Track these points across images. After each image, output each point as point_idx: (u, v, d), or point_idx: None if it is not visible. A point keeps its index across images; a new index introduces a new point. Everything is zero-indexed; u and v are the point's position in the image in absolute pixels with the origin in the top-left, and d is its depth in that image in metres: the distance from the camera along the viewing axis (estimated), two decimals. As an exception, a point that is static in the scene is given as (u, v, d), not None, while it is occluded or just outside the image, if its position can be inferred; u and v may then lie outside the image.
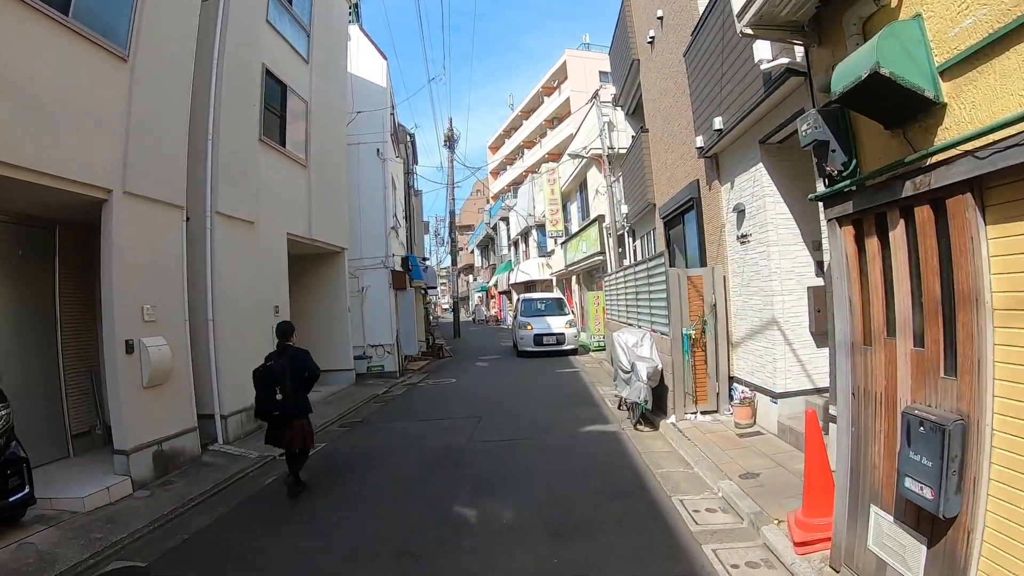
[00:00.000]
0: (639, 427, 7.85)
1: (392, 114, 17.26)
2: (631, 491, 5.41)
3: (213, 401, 8.24)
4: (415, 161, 27.35)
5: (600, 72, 37.78)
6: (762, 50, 5.68)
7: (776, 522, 4.49)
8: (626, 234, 16.22)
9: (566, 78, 40.74)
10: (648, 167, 12.25)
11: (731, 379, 8.09)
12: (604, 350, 17.31)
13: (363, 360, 14.71)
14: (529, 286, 32.81)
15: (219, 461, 7.61)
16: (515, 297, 35.59)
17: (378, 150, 15.52)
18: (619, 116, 17.47)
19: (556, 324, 17.11)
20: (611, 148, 16.84)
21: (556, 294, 20.84)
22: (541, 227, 29.87)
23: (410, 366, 16.66)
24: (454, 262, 28.54)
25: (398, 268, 15.50)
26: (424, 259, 46.88)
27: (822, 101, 3.76)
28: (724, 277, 8.06)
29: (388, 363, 14.93)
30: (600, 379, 12.43)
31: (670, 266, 8.54)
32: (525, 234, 33.00)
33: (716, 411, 8.03)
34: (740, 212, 7.45)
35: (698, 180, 9.06)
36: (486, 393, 11.47)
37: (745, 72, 6.53)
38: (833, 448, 4.95)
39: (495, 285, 42.88)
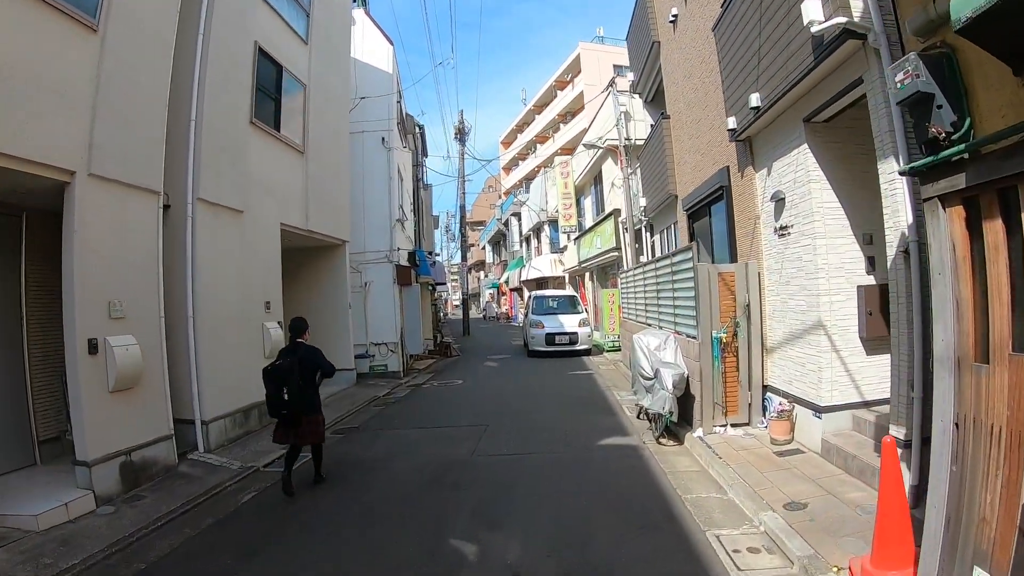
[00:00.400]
0: (662, 441, 7.07)
1: (399, 102, 16.54)
2: (657, 523, 4.64)
3: (193, 405, 7.56)
4: (424, 154, 26.63)
5: (615, 66, 36.86)
6: (812, 10, 4.87)
7: (836, 570, 3.70)
8: (643, 229, 15.40)
9: (580, 72, 39.97)
10: (669, 156, 11.43)
11: (764, 388, 7.28)
12: (619, 351, 16.52)
13: (365, 359, 14.02)
14: (541, 283, 32.02)
15: (196, 472, 6.93)
16: (527, 294, 34.82)
17: (383, 139, 14.81)
18: (636, 105, 16.65)
19: (569, 323, 16.33)
20: (628, 139, 16.01)
21: (569, 291, 20.05)
22: (554, 222, 29.08)
23: (415, 365, 15.96)
24: (464, 257, 27.81)
25: (403, 263, 14.80)
26: (434, 254, 46.32)
27: (914, 47, 2.95)
28: (759, 274, 7.25)
29: (392, 362, 14.24)
30: (616, 382, 11.65)
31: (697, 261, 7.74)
32: (537, 230, 32.21)
33: (747, 423, 7.23)
34: (779, 201, 6.64)
35: (728, 167, 8.25)
36: (494, 396, 10.72)
37: (789, 40, 5.72)
38: (908, 479, 4.14)
39: (506, 282, 42.14)
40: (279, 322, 9.58)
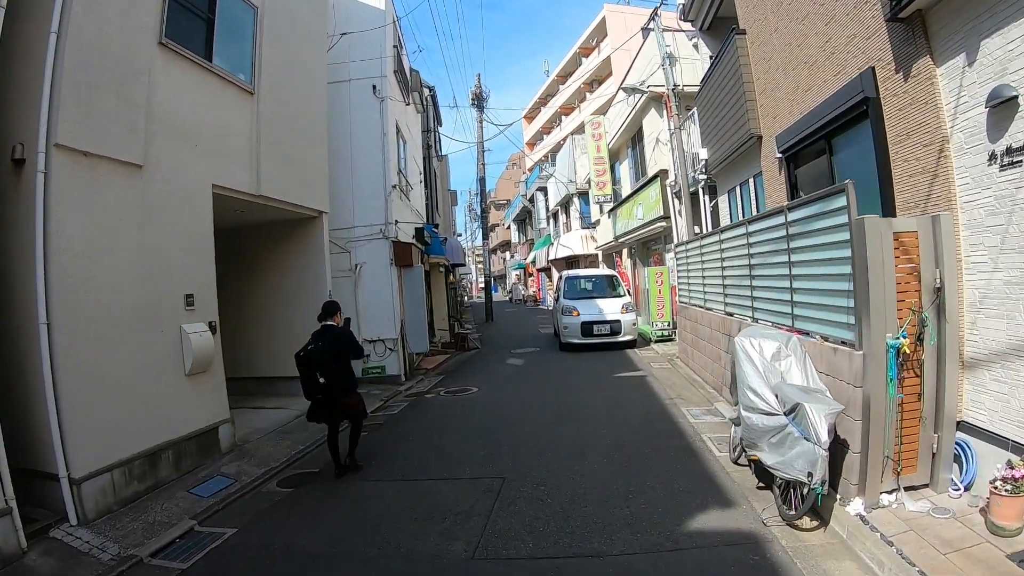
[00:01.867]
0: (798, 524, 4.15)
1: (396, 47, 13.65)
2: None
3: (54, 455, 4.90)
4: (438, 121, 23.75)
5: (643, 29, 33.48)
6: None
7: None
8: (701, 191, 12.34)
9: (606, 36, 36.55)
10: (748, 84, 8.38)
11: (959, 426, 4.33)
12: (670, 341, 13.57)
13: (356, 361, 11.34)
14: (571, 262, 29.07)
15: (47, 567, 4.32)
16: (556, 275, 31.89)
17: (374, 87, 11.96)
18: (682, 43, 13.52)
19: (609, 308, 13.38)
20: (675, 85, 12.90)
21: (607, 270, 17.04)
22: (584, 195, 26.06)
23: (424, 364, 13.24)
24: (485, 235, 25.00)
25: (404, 239, 11.99)
26: (456, 234, 43.57)
27: None
28: (953, 234, 4.26)
29: (390, 364, 11.52)
30: (681, 391, 8.73)
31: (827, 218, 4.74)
32: (565, 204, 29.19)
33: (927, 484, 4.30)
34: (1002, 105, 3.64)
35: (872, 68, 5.22)
36: (516, 419, 7.88)
37: None
38: None
39: (533, 262, 39.23)
40: (210, 323, 6.91)
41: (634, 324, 13.36)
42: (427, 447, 6.85)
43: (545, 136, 49.37)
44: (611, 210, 19.81)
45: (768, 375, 4.62)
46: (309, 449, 7.26)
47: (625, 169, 18.90)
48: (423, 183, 17.78)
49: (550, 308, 33.58)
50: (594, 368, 11.24)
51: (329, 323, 6.14)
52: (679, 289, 11.14)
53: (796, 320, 5.31)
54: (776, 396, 4.43)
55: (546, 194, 34.84)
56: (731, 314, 7.62)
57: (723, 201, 11.05)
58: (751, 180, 9.20)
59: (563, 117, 43.93)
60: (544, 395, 9.08)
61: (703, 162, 11.31)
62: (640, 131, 16.44)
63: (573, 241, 26.51)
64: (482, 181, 24.95)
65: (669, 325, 14.04)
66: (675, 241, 13.98)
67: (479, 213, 25.59)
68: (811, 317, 4.99)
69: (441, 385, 10.82)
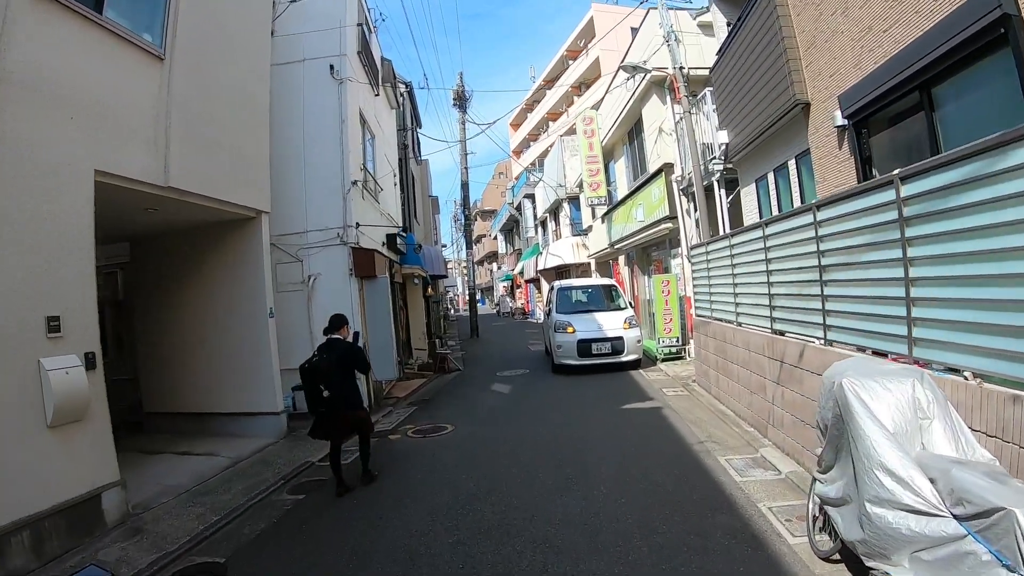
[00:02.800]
0: None
1: (363, 27, 11.83)
2: None
3: None
4: (416, 122, 21.96)
5: (632, 29, 32.05)
6: None
7: None
8: (716, 185, 10.60)
9: (594, 36, 35.14)
10: (790, 37, 6.64)
11: None
12: (680, 359, 11.78)
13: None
14: (561, 272, 27.31)
15: None
16: (546, 287, 30.05)
17: (332, 66, 10.13)
18: (684, 25, 11.86)
19: (610, 323, 11.52)
20: (682, 66, 11.20)
21: (604, 279, 15.20)
22: (574, 200, 24.39)
23: (396, 390, 11.32)
24: (469, 244, 23.13)
25: (367, 246, 10.10)
26: (441, 245, 41.68)
27: None
28: None
29: (352, 394, 9.61)
30: (710, 429, 6.89)
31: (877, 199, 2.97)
32: (555, 210, 27.47)
33: None
34: None
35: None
36: (500, 473, 6.00)
37: None
38: None
39: (520, 273, 37.43)
40: (87, 355, 5.02)
41: (639, 341, 11.53)
42: (374, 529, 4.92)
43: (532, 143, 47.92)
44: (605, 214, 18.06)
45: (906, 441, 2.81)
46: (224, 522, 5.32)
47: (621, 168, 17.17)
48: (398, 186, 15.93)
49: (539, 322, 31.72)
50: (596, 396, 9.38)
51: (335, 336, 6.04)
52: (696, 300, 9.34)
53: (918, 345, 3.50)
54: (933, 483, 2.62)
55: (534, 201, 33.15)
56: (781, 332, 5.81)
57: (748, 194, 9.31)
58: (791, 163, 7.45)
59: (550, 123, 42.53)
60: (537, 438, 7.16)
61: (722, 148, 9.59)
62: (639, 123, 14.73)
63: (563, 249, 24.76)
64: (465, 186, 23.12)
65: (678, 341, 12.25)
66: (683, 244, 12.22)
67: (463, 221, 23.72)
68: (951, 343, 3.18)
69: (411, 420, 8.90)
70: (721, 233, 10.22)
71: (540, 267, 29.37)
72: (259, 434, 8.27)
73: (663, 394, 9.17)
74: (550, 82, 43.01)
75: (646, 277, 16.14)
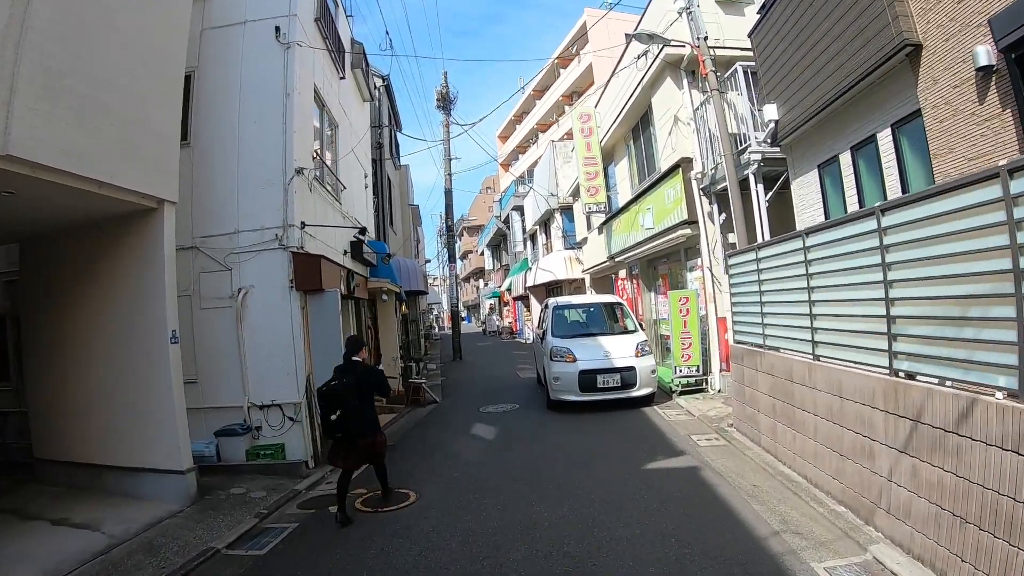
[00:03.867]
0: None
1: (323, -7, 9.84)
2: None
3: None
4: (395, 121, 20.00)
5: (627, 35, 30.48)
6: None
7: None
8: (753, 180, 8.64)
9: (587, 43, 33.62)
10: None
11: None
12: (699, 391, 9.77)
13: (238, 437, 7.31)
14: (552, 288, 25.27)
15: None
16: (536, 305, 27.82)
17: (278, 28, 8.09)
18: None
19: (618, 350, 9.39)
20: (706, 36, 9.32)
21: (608, 296, 13.07)
22: (567, 210, 22.46)
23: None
24: (452, 257, 21.04)
25: (314, 251, 7.94)
26: (425, 261, 39.52)
27: None
28: None
29: (292, 442, 7.45)
30: (781, 509, 4.81)
31: None
32: (546, 222, 25.50)
33: None
34: None
35: None
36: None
37: None
38: None
39: (508, 290, 35.34)
40: None
41: (653, 372, 9.43)
42: None
43: (521, 156, 46.26)
44: (604, 223, 16.08)
45: None
46: None
47: (623, 171, 15.22)
48: (369, 188, 13.89)
49: (528, 342, 29.54)
50: (607, 448, 7.26)
51: (355, 359, 5.81)
52: (736, 322, 7.30)
53: None
54: None
55: (522, 214, 31.20)
56: (912, 375, 3.79)
57: (804, 185, 7.36)
58: (883, 135, 5.46)
59: (540, 134, 40.85)
60: (533, 527, 4.99)
61: (768, 128, 7.64)
62: (647, 115, 12.81)
63: (555, 264, 22.74)
64: (448, 193, 21.09)
65: (697, 371, 10.20)
66: (705, 254, 10.26)
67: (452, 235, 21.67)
68: None
69: (366, 480, 6.71)
70: (762, 239, 8.25)
71: (529, 283, 27.31)
72: (160, 497, 6.16)
73: (694, 444, 7.08)
74: (540, 92, 41.46)
75: (652, 293, 14.14)
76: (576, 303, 11.49)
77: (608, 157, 16.06)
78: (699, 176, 10.41)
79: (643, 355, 9.34)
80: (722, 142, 8.79)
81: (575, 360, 9.17)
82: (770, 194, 8.73)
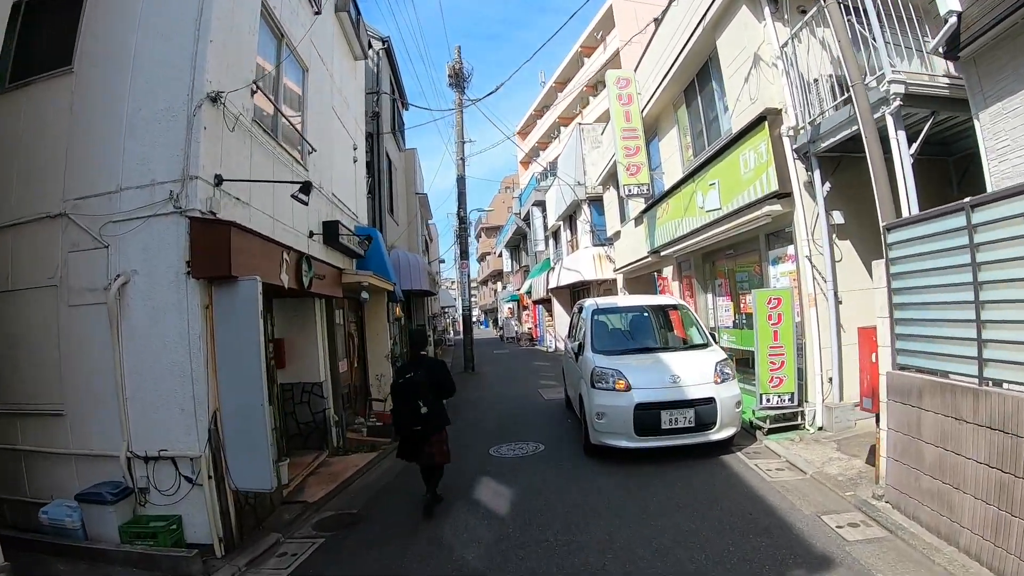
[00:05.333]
0: None
1: None
2: None
3: None
4: (399, 94, 17.42)
5: (655, 20, 27.68)
6: None
7: None
8: (894, 125, 5.82)
9: (613, 27, 30.95)
10: None
11: None
12: (794, 429, 6.95)
13: (106, 506, 4.65)
14: (579, 291, 22.55)
15: None
16: (559, 310, 24.92)
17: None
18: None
19: (689, 373, 6.42)
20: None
21: (666, 298, 9.99)
22: (596, 201, 19.68)
23: (312, 482, 6.47)
24: (464, 252, 18.37)
25: (229, 218, 5.17)
26: (440, 261, 36.87)
27: None
28: None
29: (191, 512, 4.76)
30: None
31: None
32: (570, 216, 22.75)
33: None
34: None
35: None
36: None
37: None
38: None
39: (528, 292, 32.59)
40: None
41: (738, 405, 6.54)
42: None
43: (542, 152, 43.67)
44: (644, 211, 13.27)
45: None
46: None
47: (670, 146, 12.40)
48: (361, 164, 11.29)
49: (550, 350, 26.63)
50: (701, 548, 4.40)
51: (423, 353, 5.91)
52: (901, 336, 4.46)
53: None
54: None
55: (544, 209, 28.48)
56: None
57: (1006, 117, 4.49)
58: None
59: (562, 128, 38.25)
60: None
61: (949, 25, 4.79)
62: (708, 66, 9.99)
63: (582, 263, 19.96)
64: (461, 180, 18.43)
65: (791, 400, 7.36)
66: (803, 237, 7.47)
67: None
68: None
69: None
70: (908, 211, 5.45)
71: (552, 285, 24.56)
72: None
73: (837, 537, 4.24)
74: (562, 84, 38.91)
75: (709, 295, 11.28)
76: (622, 305, 8.60)
77: (649, 132, 13.24)
78: (791, 133, 7.59)
79: (724, 380, 6.49)
80: (846, 66, 5.98)
81: (628, 388, 6.30)
82: (915, 146, 5.89)
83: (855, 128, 6.32)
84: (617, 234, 17.02)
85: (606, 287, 19.43)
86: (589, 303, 8.24)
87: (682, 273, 12.42)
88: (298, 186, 5.45)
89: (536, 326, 33.08)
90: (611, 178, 17.19)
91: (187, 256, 4.75)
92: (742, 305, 9.61)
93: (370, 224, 12.24)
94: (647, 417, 6.11)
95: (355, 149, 10.97)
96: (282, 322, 7.67)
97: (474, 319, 29.37)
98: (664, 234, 12.07)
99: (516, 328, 37.93)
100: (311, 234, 7.58)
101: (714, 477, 5.87)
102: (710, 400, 6.22)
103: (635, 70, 13.58)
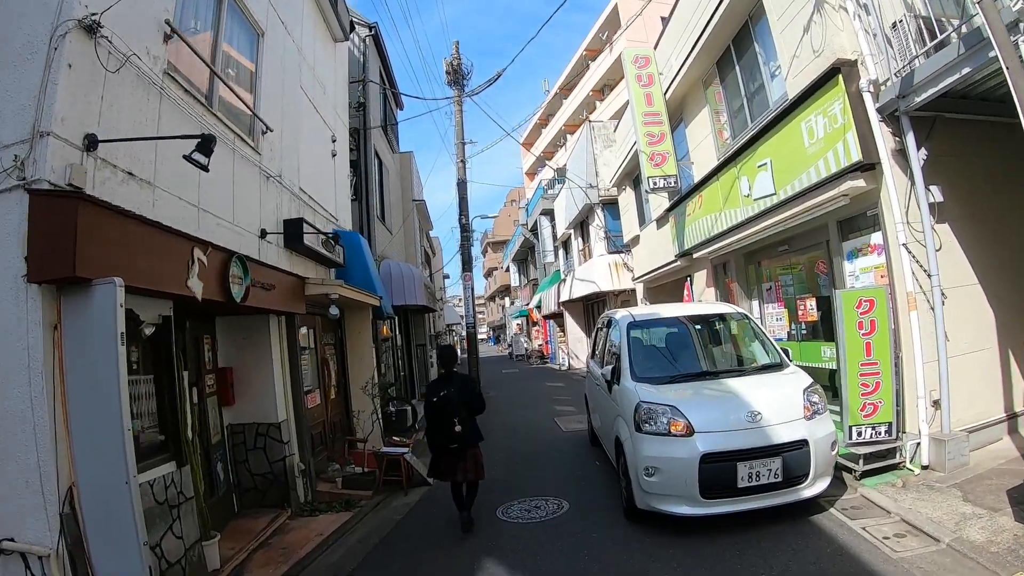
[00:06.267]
0: None
1: None
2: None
3: None
4: (390, 84, 15.95)
5: (662, 18, 26.27)
6: None
7: None
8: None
9: (618, 27, 29.53)
10: None
11: None
12: (892, 467, 5.14)
13: None
14: (593, 303, 20.89)
15: None
16: (572, 325, 23.00)
17: None
18: None
19: (771, 406, 4.62)
20: None
21: (715, 305, 7.88)
22: (610, 205, 18.07)
23: (256, 562, 4.76)
24: (467, 264, 16.69)
25: (97, 195, 3.51)
26: (444, 276, 35.20)
27: None
28: None
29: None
30: None
31: None
32: (582, 222, 21.11)
33: None
34: None
35: None
36: None
37: None
38: None
39: (538, 307, 30.86)
40: None
41: (833, 444, 4.78)
42: None
43: (548, 161, 42.25)
44: (672, 206, 11.59)
45: None
46: None
47: (699, 131, 10.75)
48: (344, 161, 9.73)
49: (563, 368, 24.61)
50: None
51: (454, 369, 5.80)
52: None
53: None
54: None
55: (552, 218, 26.92)
56: None
57: None
58: None
59: (568, 136, 36.90)
60: None
61: None
62: (750, 25, 8.34)
63: (596, 272, 18.28)
64: (462, 184, 16.80)
65: (888, 431, 5.60)
66: (897, 217, 5.76)
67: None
68: None
69: None
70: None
71: (563, 298, 22.86)
72: None
73: None
74: (567, 90, 37.63)
75: (755, 303, 9.53)
76: (667, 316, 6.57)
77: (673, 118, 11.58)
78: (872, 89, 5.92)
79: (816, 414, 4.71)
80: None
81: (690, 432, 4.50)
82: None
83: (966, 71, 4.68)
84: (636, 239, 15.34)
85: (623, 298, 17.73)
86: (622, 315, 6.44)
87: (719, 278, 10.68)
88: (195, 142, 3.75)
89: (547, 343, 31.31)
90: (627, 177, 15.56)
91: (24, 248, 3.09)
92: (800, 311, 7.87)
93: (358, 230, 10.65)
94: (718, 472, 4.32)
95: (334, 141, 9.41)
96: (229, 346, 6.00)
97: (481, 336, 27.35)
98: (696, 233, 10.38)
99: (526, 345, 36.14)
100: (263, 233, 5.94)
101: (819, 556, 4.10)
102: (802, 443, 4.45)
103: (655, 48, 11.98)
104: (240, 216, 5.50)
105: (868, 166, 5.90)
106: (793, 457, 4.42)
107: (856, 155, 5.85)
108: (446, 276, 35.11)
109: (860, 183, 5.98)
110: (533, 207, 31.19)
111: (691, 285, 11.65)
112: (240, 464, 5.98)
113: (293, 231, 6.58)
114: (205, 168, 3.82)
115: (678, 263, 11.80)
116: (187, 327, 5.12)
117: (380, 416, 8.22)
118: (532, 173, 45.86)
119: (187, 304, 4.44)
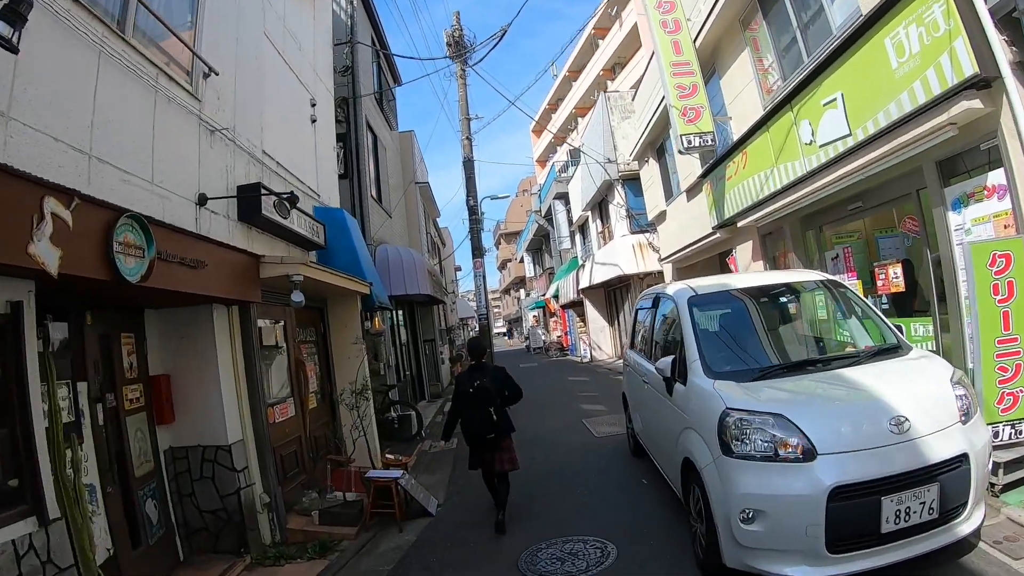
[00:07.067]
0: None
1: None
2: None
3: None
4: (384, 51, 14.60)
5: None
6: None
7: None
8: None
9: (628, 1, 28.08)
10: None
11: None
12: None
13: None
14: (615, 288, 19.48)
15: None
16: (593, 314, 21.44)
17: None
18: None
19: (917, 407, 3.14)
20: None
21: (808, 272, 5.55)
22: (631, 180, 16.56)
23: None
24: (477, 250, 15.32)
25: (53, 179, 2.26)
26: (456, 268, 33.88)
27: None
28: None
29: None
30: None
31: None
32: (600, 202, 19.64)
33: None
34: None
35: None
36: None
37: None
38: None
39: (555, 297, 29.41)
40: None
41: (990, 457, 3.34)
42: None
43: (559, 147, 40.84)
44: (708, 170, 10.10)
45: None
46: None
47: (737, 79, 9.26)
48: (329, 130, 8.40)
49: (584, 360, 23.03)
50: None
51: (483, 360, 5.80)
52: None
53: None
54: None
55: (567, 202, 25.47)
56: None
57: None
58: None
59: (579, 120, 35.41)
60: None
61: None
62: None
63: (619, 253, 16.82)
64: (468, 163, 15.43)
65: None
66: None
67: (468, 220, 15.95)
68: None
69: None
70: None
71: (583, 285, 21.43)
72: None
73: None
74: (576, 72, 36.13)
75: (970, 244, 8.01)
76: (739, 286, 4.83)
77: (705, 69, 10.06)
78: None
79: (968, 416, 3.26)
80: None
81: (811, 455, 3.00)
82: None
83: None
84: (662, 215, 13.87)
85: (649, 282, 16.26)
86: (677, 289, 4.79)
87: (767, 249, 9.18)
88: None
89: (566, 334, 29.88)
90: (649, 148, 14.07)
91: None
92: (881, 282, 6.38)
93: (351, 212, 9.34)
94: (854, 513, 2.84)
95: (313, 105, 8.06)
96: (166, 348, 4.66)
97: (497, 329, 25.76)
98: (739, 198, 8.91)
99: (543, 337, 34.69)
100: (203, 199, 4.58)
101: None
102: (961, 459, 2.99)
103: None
104: (165, 175, 4.16)
105: (984, 83, 4.41)
106: (951, 481, 2.96)
107: (970, 68, 4.36)
108: (458, 268, 33.83)
109: (976, 103, 4.48)
110: (546, 192, 29.76)
111: (736, 259, 10.15)
112: (186, 498, 4.65)
113: (249, 201, 5.23)
114: (12, 48, 2.43)
115: (716, 235, 10.32)
116: (88, 321, 3.79)
117: (364, 429, 6.82)
118: (543, 161, 44.46)
119: (92, 288, 3.11)
